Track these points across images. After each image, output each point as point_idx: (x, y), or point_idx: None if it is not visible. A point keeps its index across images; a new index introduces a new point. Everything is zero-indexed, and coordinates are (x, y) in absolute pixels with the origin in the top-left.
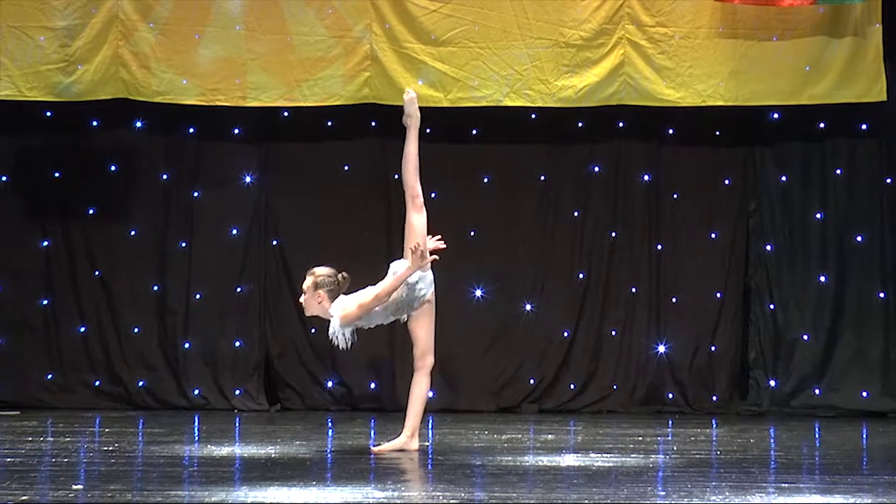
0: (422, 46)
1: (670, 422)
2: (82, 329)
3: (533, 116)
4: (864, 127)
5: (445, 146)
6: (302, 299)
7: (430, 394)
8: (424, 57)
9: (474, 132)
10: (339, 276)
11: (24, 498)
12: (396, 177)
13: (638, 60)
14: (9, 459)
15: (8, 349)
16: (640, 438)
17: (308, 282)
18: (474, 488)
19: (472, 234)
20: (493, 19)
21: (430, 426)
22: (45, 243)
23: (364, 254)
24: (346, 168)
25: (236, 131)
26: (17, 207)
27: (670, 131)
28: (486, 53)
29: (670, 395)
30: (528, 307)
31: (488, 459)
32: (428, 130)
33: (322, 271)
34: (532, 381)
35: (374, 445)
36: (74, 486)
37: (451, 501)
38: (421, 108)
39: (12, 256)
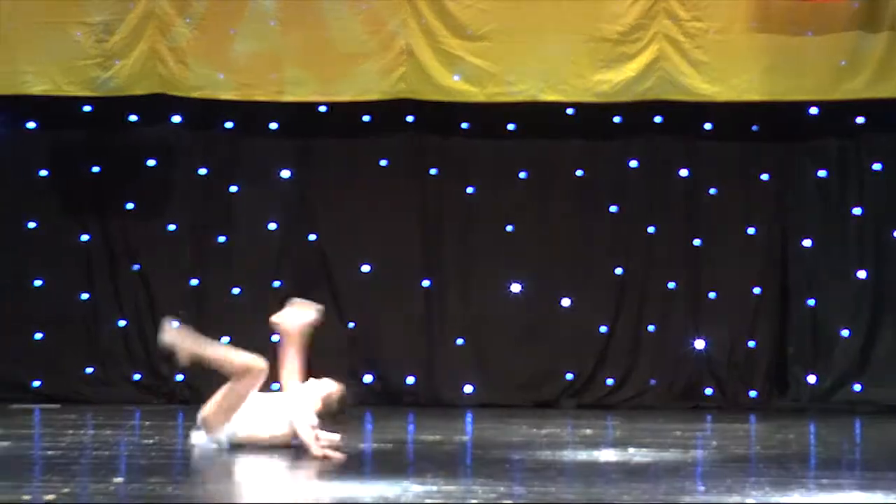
0: (458, 41)
1: (708, 417)
2: (122, 323)
3: (569, 111)
4: None
5: (481, 141)
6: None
7: (470, 388)
8: (460, 51)
9: (510, 127)
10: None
11: (65, 490)
12: (433, 172)
13: (674, 55)
14: (50, 453)
15: (48, 343)
16: (679, 434)
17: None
18: (513, 483)
19: (509, 229)
20: (529, 14)
21: (469, 421)
22: (85, 238)
23: (399, 248)
24: (382, 163)
25: (273, 126)
26: (56, 202)
27: (707, 126)
28: (522, 48)
29: (708, 391)
30: (566, 302)
31: (527, 454)
32: (464, 126)
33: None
34: (570, 377)
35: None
36: (115, 479)
37: (490, 496)
38: (457, 104)
39: (52, 251)
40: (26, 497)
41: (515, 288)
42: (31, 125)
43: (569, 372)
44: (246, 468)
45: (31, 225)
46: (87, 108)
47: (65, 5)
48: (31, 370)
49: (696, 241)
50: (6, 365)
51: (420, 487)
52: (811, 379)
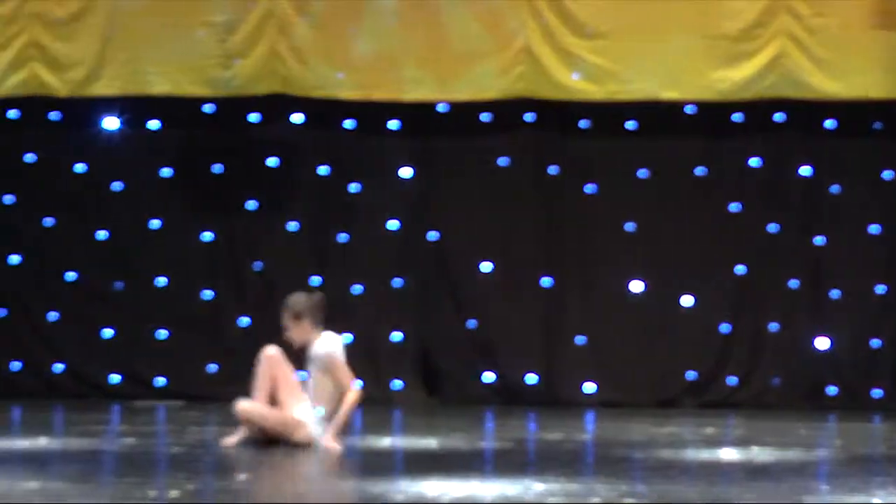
0: (577, 40)
1: (831, 417)
2: (245, 321)
3: (689, 109)
4: None
5: (601, 140)
6: (289, 335)
7: (591, 387)
8: (579, 50)
9: (630, 126)
10: (315, 297)
11: (189, 487)
12: (552, 170)
13: (795, 52)
14: (174, 449)
15: (172, 341)
16: (802, 433)
17: (286, 317)
18: (635, 481)
19: (629, 228)
20: (648, 12)
21: (590, 420)
22: (208, 237)
23: (518, 247)
24: (503, 162)
25: (393, 125)
26: (179, 201)
27: (828, 124)
28: (641, 46)
29: (832, 391)
30: (687, 301)
31: (648, 453)
32: (583, 125)
33: (297, 298)
34: (691, 376)
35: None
36: (238, 476)
37: (612, 494)
38: (576, 102)
39: (175, 250)
40: (151, 493)
41: (636, 286)
42: (153, 125)
43: (690, 371)
44: (368, 467)
45: (155, 224)
46: (208, 108)
47: (187, 5)
48: (155, 368)
49: (818, 240)
50: (131, 362)
51: (541, 486)
52: None
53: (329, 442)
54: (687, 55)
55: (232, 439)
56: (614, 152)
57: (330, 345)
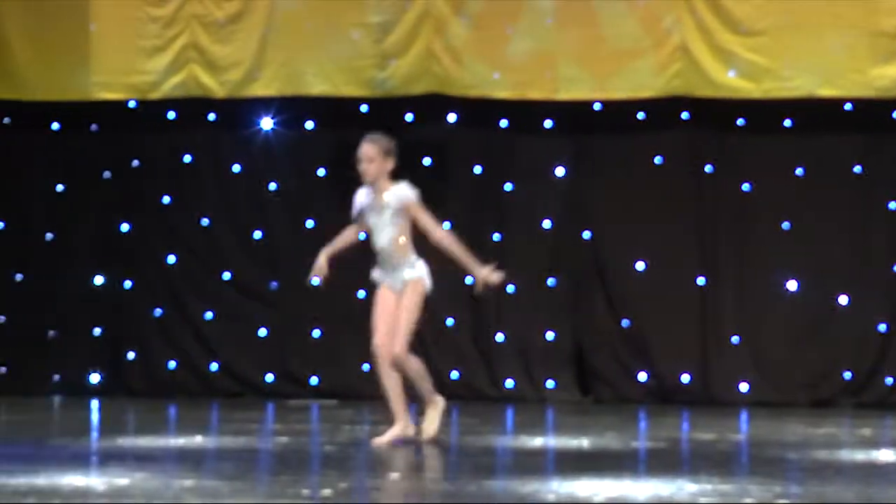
0: (733, 37)
1: None
2: None
3: (847, 107)
4: None
5: (758, 138)
6: (367, 167)
7: (745, 386)
8: (736, 47)
9: (787, 123)
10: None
11: (342, 485)
12: (708, 169)
13: None
14: (327, 447)
15: (326, 340)
16: None
17: (373, 149)
18: (789, 482)
19: (785, 226)
20: (805, 9)
21: (744, 419)
22: (362, 236)
23: (673, 245)
24: (658, 160)
25: (548, 124)
26: (335, 201)
27: None
28: (798, 43)
29: None
30: (844, 300)
31: (803, 453)
32: (740, 122)
33: (386, 138)
34: (848, 376)
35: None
36: (391, 475)
37: (766, 495)
38: (732, 100)
39: None
40: (305, 491)
41: (791, 285)
42: (309, 125)
43: (847, 371)
44: (519, 466)
45: (310, 224)
46: (364, 108)
47: (344, 7)
48: (309, 366)
49: None
50: (286, 361)
51: (694, 486)
52: None
53: (486, 273)
54: (845, 52)
55: (383, 439)
56: (770, 150)
57: (410, 191)
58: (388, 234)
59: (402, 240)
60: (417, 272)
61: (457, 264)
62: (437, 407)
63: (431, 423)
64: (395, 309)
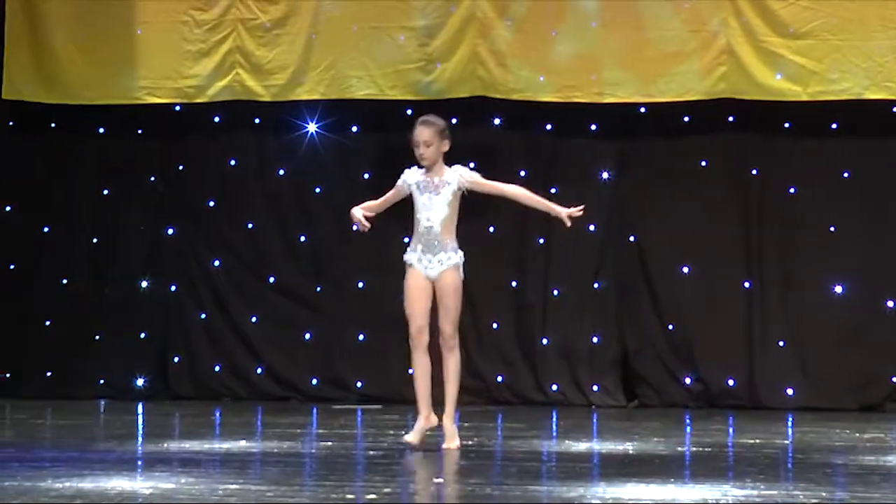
0: (779, 39)
1: None
2: None
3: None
4: None
5: (804, 141)
6: (425, 151)
7: (791, 391)
8: (782, 50)
9: (834, 126)
10: None
11: (386, 490)
12: (755, 172)
13: None
14: (371, 452)
15: (371, 344)
16: None
17: (430, 132)
18: (835, 488)
19: (832, 230)
20: (852, 11)
21: (790, 424)
22: (407, 240)
23: (719, 249)
24: (703, 164)
25: (593, 127)
26: None
27: None
28: (845, 46)
29: None
30: (891, 303)
31: (850, 459)
32: (787, 125)
33: (440, 119)
34: None
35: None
36: (435, 480)
37: (812, 501)
38: (779, 103)
39: (375, 253)
40: (349, 496)
41: (838, 289)
42: (354, 129)
43: (894, 375)
44: (564, 471)
45: (354, 227)
46: (408, 112)
47: (389, 11)
48: (354, 371)
49: None
50: (330, 365)
51: (740, 491)
52: None
53: (568, 212)
54: (892, 54)
55: (414, 436)
56: (817, 153)
57: (467, 171)
58: (440, 214)
59: (450, 222)
60: (459, 258)
61: (541, 210)
62: (430, 422)
63: (418, 433)
64: (429, 294)
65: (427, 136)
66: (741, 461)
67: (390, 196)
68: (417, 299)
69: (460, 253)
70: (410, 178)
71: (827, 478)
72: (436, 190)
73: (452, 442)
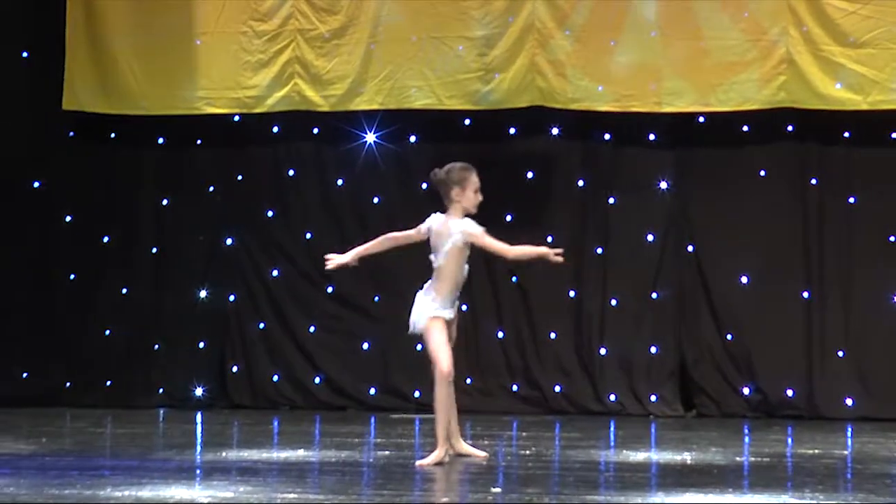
0: (839, 48)
1: None
2: (500, 334)
3: None
4: None
5: (864, 150)
6: (457, 205)
7: (851, 401)
8: (842, 59)
9: (894, 136)
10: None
11: (444, 499)
12: (814, 181)
13: None
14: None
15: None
16: None
17: (449, 185)
18: (894, 498)
19: (892, 239)
20: None
21: (849, 434)
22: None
23: (778, 258)
24: (762, 174)
25: (651, 137)
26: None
27: None
28: None
29: None
30: None
31: None
32: (846, 135)
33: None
34: None
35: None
36: (493, 489)
37: None
38: (838, 112)
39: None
40: None
41: None
42: (412, 139)
43: None
44: (622, 481)
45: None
46: (467, 122)
47: (448, 21)
48: (411, 380)
49: None
50: (388, 374)
51: (798, 502)
52: None
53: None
54: None
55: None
56: (877, 163)
57: (472, 223)
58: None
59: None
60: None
61: (531, 261)
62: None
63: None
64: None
65: (451, 193)
66: (800, 471)
67: (413, 234)
68: (447, 341)
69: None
70: (434, 224)
71: (886, 488)
72: (448, 238)
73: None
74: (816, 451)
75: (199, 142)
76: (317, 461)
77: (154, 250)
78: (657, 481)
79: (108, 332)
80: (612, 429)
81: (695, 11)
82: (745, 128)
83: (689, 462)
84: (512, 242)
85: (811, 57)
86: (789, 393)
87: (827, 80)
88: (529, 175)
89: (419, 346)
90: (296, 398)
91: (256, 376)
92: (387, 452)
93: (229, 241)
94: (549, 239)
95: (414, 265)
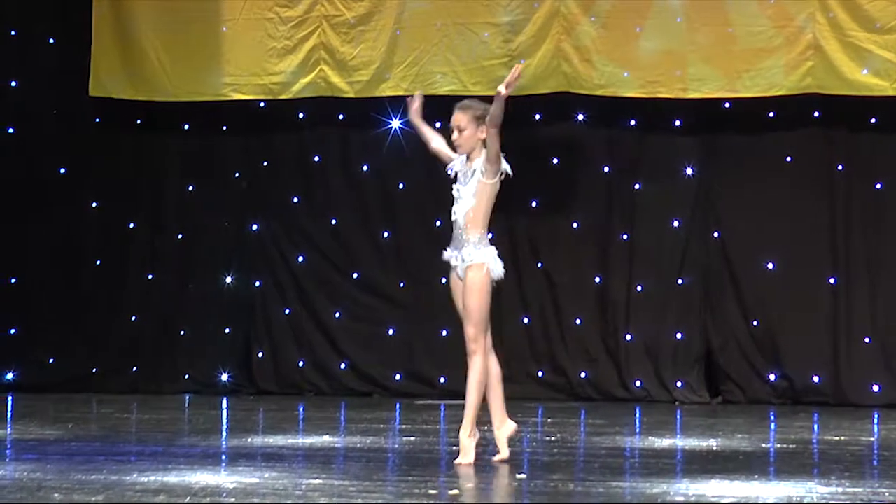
0: (866, 34)
1: None
2: (526, 320)
3: None
4: None
5: (890, 135)
6: (458, 136)
7: (877, 388)
8: (869, 45)
9: None
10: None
11: (469, 485)
12: (840, 167)
13: None
14: (454, 448)
15: (454, 339)
16: None
17: (465, 117)
18: None
19: None
20: None
21: (875, 421)
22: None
23: (804, 245)
24: (789, 159)
25: (677, 123)
26: None
27: None
28: None
29: None
30: None
31: None
32: (873, 120)
33: (479, 103)
34: None
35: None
36: (518, 475)
37: None
38: (865, 98)
39: None
40: (432, 491)
41: None
42: (437, 125)
43: None
44: (648, 467)
45: (438, 223)
46: None
47: (473, 7)
48: (437, 366)
49: None
50: (414, 361)
51: (825, 489)
52: None
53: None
54: None
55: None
56: None
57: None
58: (465, 205)
59: (474, 214)
60: (484, 255)
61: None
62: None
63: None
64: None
65: (461, 120)
66: (826, 458)
67: (441, 147)
68: (456, 304)
69: (488, 250)
70: (456, 163)
71: None
72: (464, 179)
73: (465, 458)
74: (843, 437)
75: (224, 128)
76: (342, 447)
77: (180, 236)
78: (682, 468)
79: (134, 318)
80: (637, 415)
81: None
82: (772, 114)
83: (714, 449)
84: (537, 228)
85: (838, 43)
86: (815, 379)
87: (853, 66)
88: (555, 161)
89: (444, 332)
90: (321, 384)
91: (282, 362)
92: (412, 439)
93: (255, 227)
94: (574, 225)
95: (439, 252)
